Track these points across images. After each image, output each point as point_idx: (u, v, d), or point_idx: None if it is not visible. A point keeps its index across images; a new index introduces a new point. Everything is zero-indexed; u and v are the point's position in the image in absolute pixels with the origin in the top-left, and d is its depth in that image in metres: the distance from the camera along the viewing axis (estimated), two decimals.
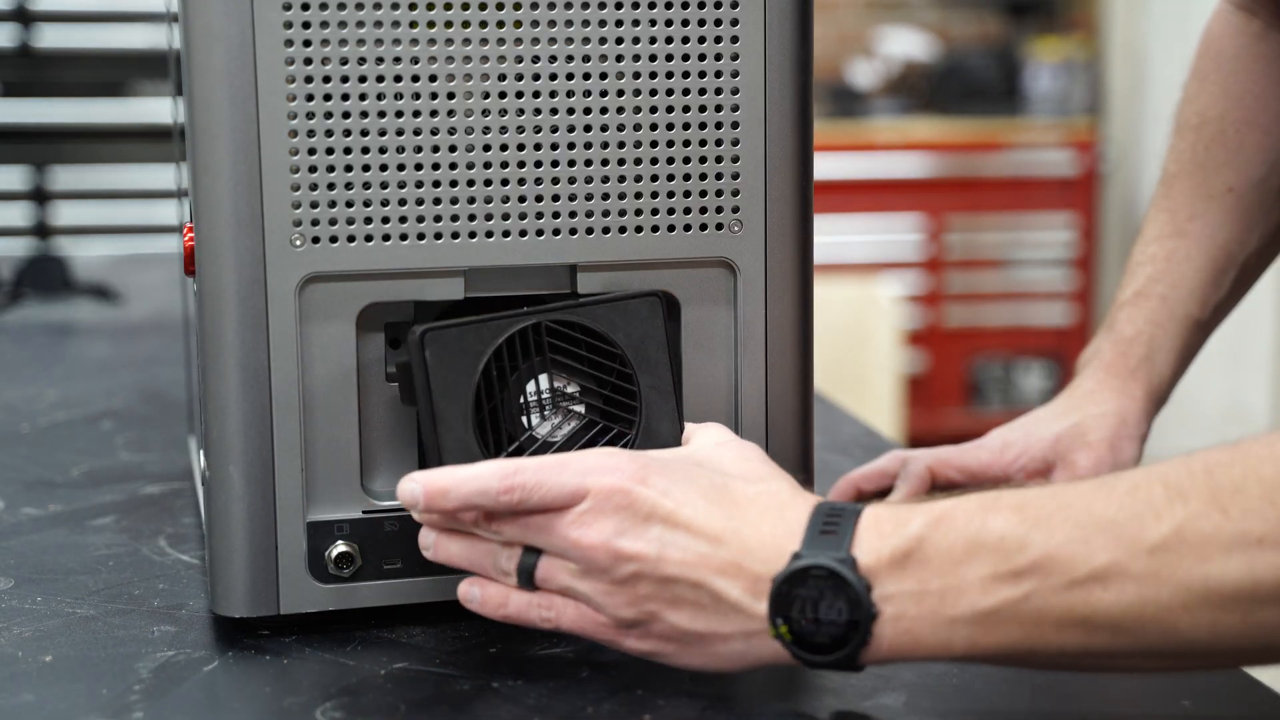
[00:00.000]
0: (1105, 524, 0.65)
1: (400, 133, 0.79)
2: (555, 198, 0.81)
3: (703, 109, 0.82)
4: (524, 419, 0.78)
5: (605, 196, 0.82)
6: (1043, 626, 0.66)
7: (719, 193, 0.83)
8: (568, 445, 0.78)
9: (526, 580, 0.73)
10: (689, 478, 0.72)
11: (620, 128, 0.81)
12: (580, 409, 0.79)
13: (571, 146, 0.81)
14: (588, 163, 0.81)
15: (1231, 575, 0.62)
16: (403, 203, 0.79)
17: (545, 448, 0.78)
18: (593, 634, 0.72)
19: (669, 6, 0.81)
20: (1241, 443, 0.65)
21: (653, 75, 0.82)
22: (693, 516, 0.70)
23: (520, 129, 0.80)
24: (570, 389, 0.79)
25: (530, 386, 0.78)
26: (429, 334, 0.75)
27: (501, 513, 0.72)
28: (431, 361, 0.76)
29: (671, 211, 0.83)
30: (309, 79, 0.77)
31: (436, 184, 0.79)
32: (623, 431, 0.79)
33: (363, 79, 0.78)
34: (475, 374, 0.76)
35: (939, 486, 1.02)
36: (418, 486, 0.73)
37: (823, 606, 0.67)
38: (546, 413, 0.78)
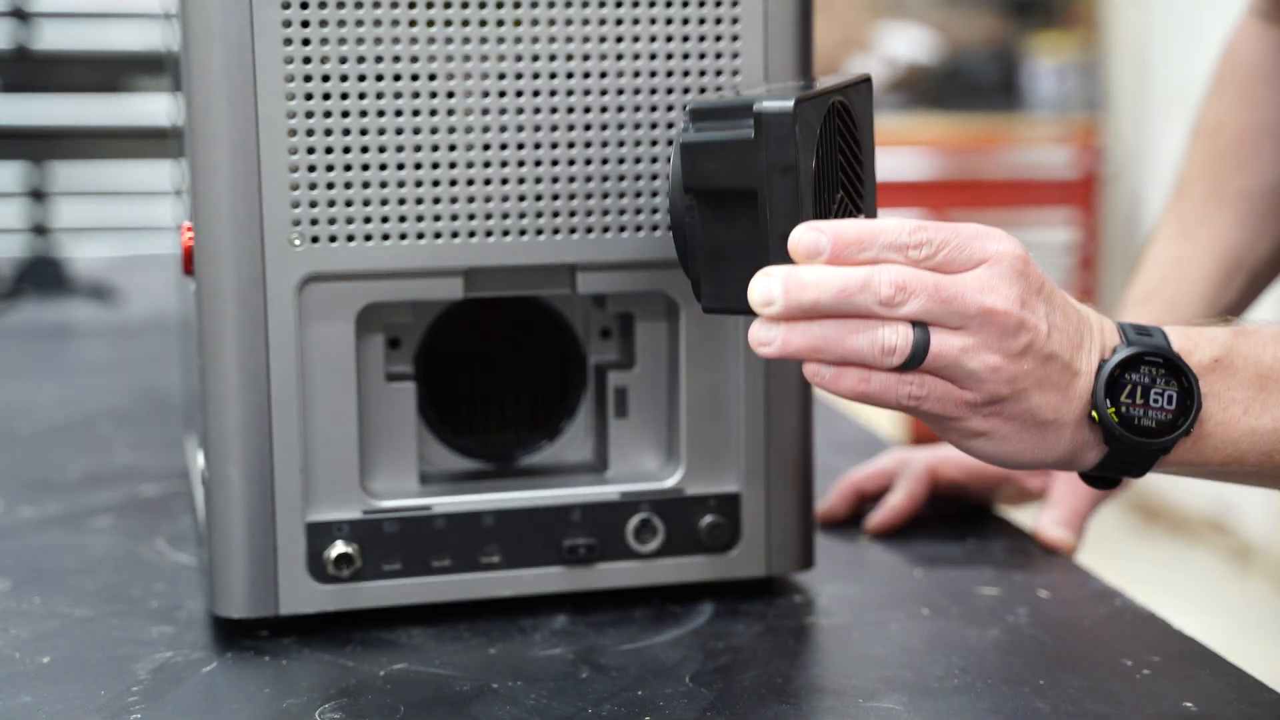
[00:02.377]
0: None
1: (400, 132, 0.78)
2: (555, 197, 0.81)
3: None
4: (826, 195, 0.72)
5: (605, 196, 0.82)
6: None
7: None
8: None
9: (919, 357, 0.67)
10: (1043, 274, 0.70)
11: (620, 128, 0.81)
12: (840, 192, 0.74)
13: (571, 146, 0.81)
14: (588, 162, 0.81)
15: None
16: (402, 202, 0.79)
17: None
18: (948, 413, 0.69)
19: (669, 6, 0.81)
20: None
21: (653, 75, 0.81)
22: (1064, 301, 0.70)
23: (520, 129, 0.80)
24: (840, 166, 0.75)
25: (829, 162, 0.73)
26: (800, 106, 0.68)
27: (892, 281, 0.66)
28: (800, 138, 0.68)
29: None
30: (308, 78, 0.77)
31: (436, 184, 0.79)
32: (859, 210, 0.75)
33: (362, 78, 0.78)
34: (815, 152, 0.70)
35: (940, 486, 1.02)
36: (822, 236, 0.66)
37: (1153, 393, 0.69)
38: (837, 191, 0.73)
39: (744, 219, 0.70)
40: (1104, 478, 0.72)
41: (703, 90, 0.82)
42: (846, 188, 0.74)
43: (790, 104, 0.68)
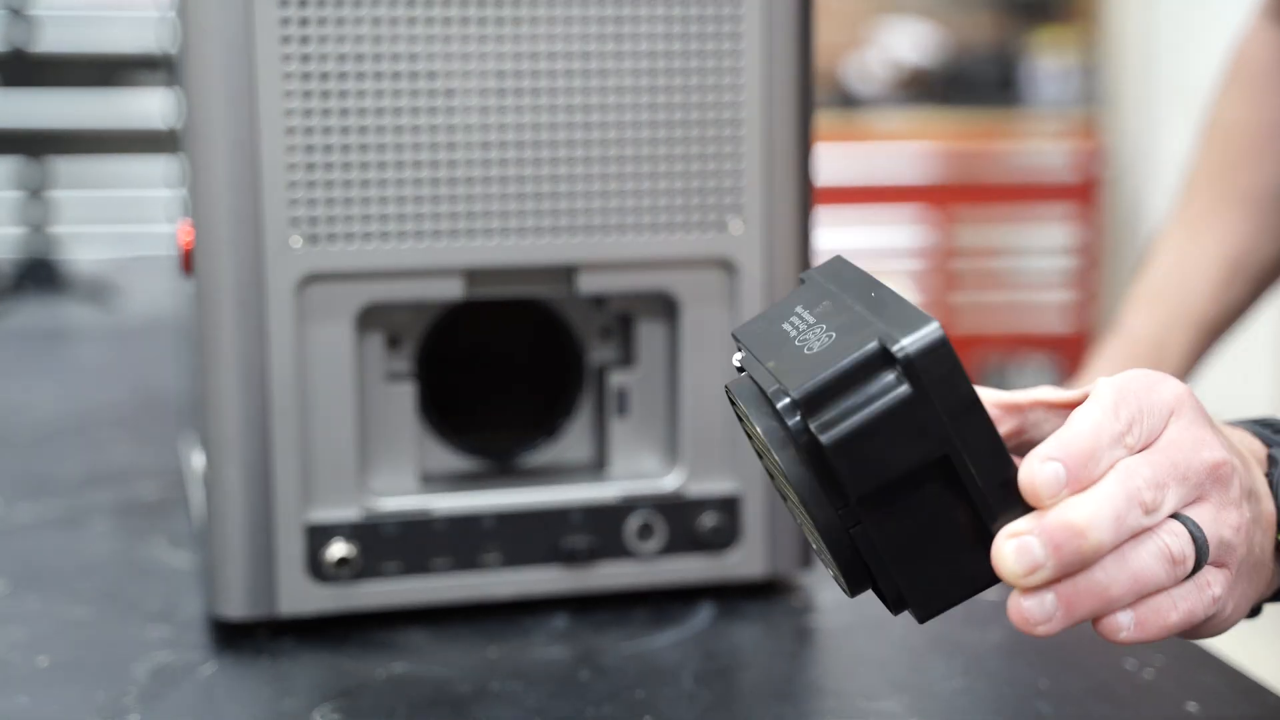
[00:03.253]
0: None
1: (399, 131, 0.78)
2: (555, 197, 0.81)
3: (703, 109, 0.82)
4: None
5: (605, 196, 0.81)
6: None
7: (719, 192, 0.83)
8: None
9: (1205, 545, 0.55)
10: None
11: (621, 127, 0.81)
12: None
13: (572, 146, 0.81)
14: (588, 162, 0.81)
15: None
16: (402, 201, 0.79)
17: None
18: (1223, 601, 0.57)
19: (669, 6, 0.81)
20: None
21: (653, 75, 0.81)
22: (1218, 425, 0.60)
23: (520, 128, 0.80)
24: None
25: None
26: (926, 346, 0.52)
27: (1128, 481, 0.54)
28: (929, 382, 0.52)
29: (671, 211, 0.82)
30: (308, 78, 0.77)
31: (436, 183, 0.79)
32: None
33: (361, 77, 0.78)
34: (961, 372, 0.53)
35: None
36: (1055, 464, 0.53)
37: None
38: None
39: (930, 494, 0.54)
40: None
41: (702, 91, 0.82)
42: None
43: (933, 324, 0.52)
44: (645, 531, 0.84)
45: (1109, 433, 0.54)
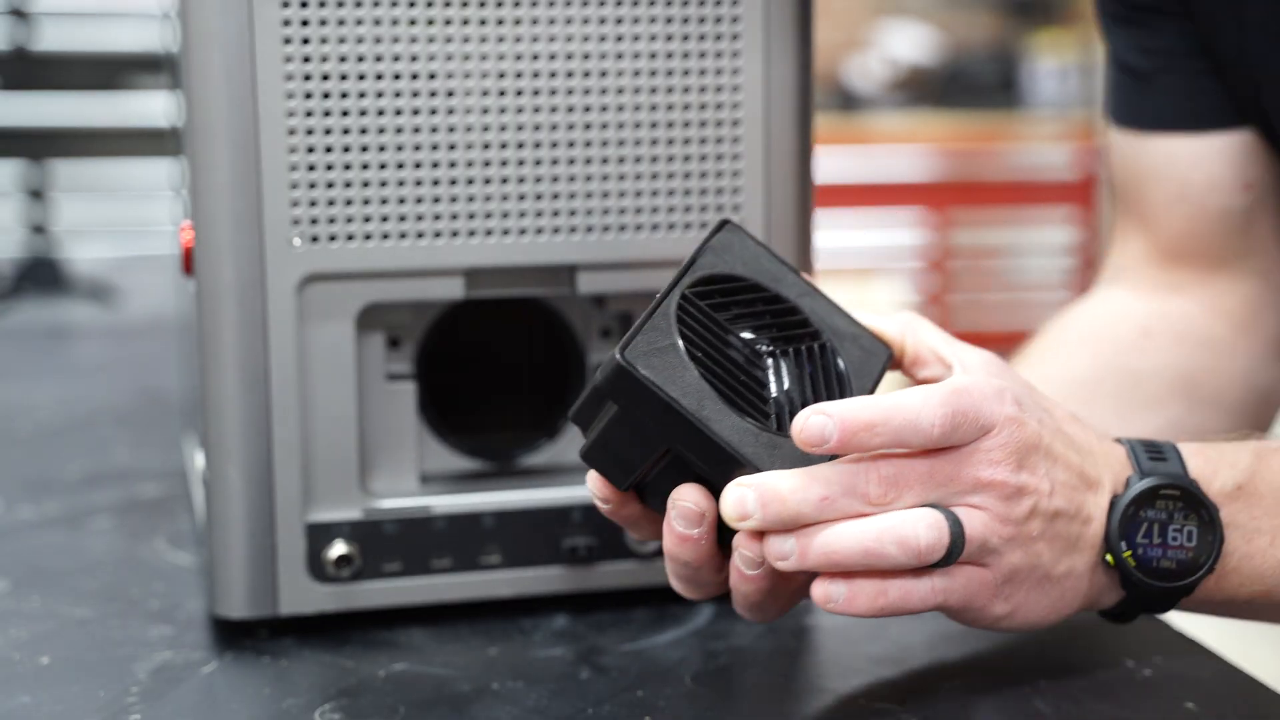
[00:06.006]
0: None
1: (400, 131, 0.78)
2: (555, 197, 0.81)
3: (703, 109, 0.82)
4: (756, 384, 0.68)
5: (605, 196, 0.82)
6: None
7: (719, 192, 0.83)
8: (803, 383, 0.69)
9: (961, 540, 0.61)
10: (1039, 405, 0.66)
11: (621, 127, 0.81)
12: (771, 347, 0.71)
13: (572, 146, 0.81)
14: (588, 162, 0.81)
15: None
16: (402, 201, 0.79)
17: (792, 399, 0.68)
18: (973, 603, 0.64)
19: (669, 6, 0.81)
20: None
21: (653, 75, 0.81)
22: (1060, 449, 0.65)
23: (520, 128, 0.80)
24: (748, 335, 0.71)
25: (732, 354, 0.69)
26: (627, 352, 0.65)
27: (890, 467, 0.61)
28: (651, 375, 0.64)
29: (671, 211, 0.82)
30: (308, 78, 0.77)
31: (436, 183, 0.79)
32: (821, 343, 0.71)
33: (362, 78, 0.78)
34: (688, 365, 0.66)
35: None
36: (829, 419, 0.60)
37: (1170, 530, 0.64)
38: (761, 367, 0.69)
39: (680, 472, 0.66)
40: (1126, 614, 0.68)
41: (702, 90, 0.82)
42: (780, 338, 0.71)
43: (616, 357, 0.64)
44: None
45: (906, 416, 0.60)
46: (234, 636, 0.81)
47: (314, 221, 0.78)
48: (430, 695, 0.74)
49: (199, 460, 0.84)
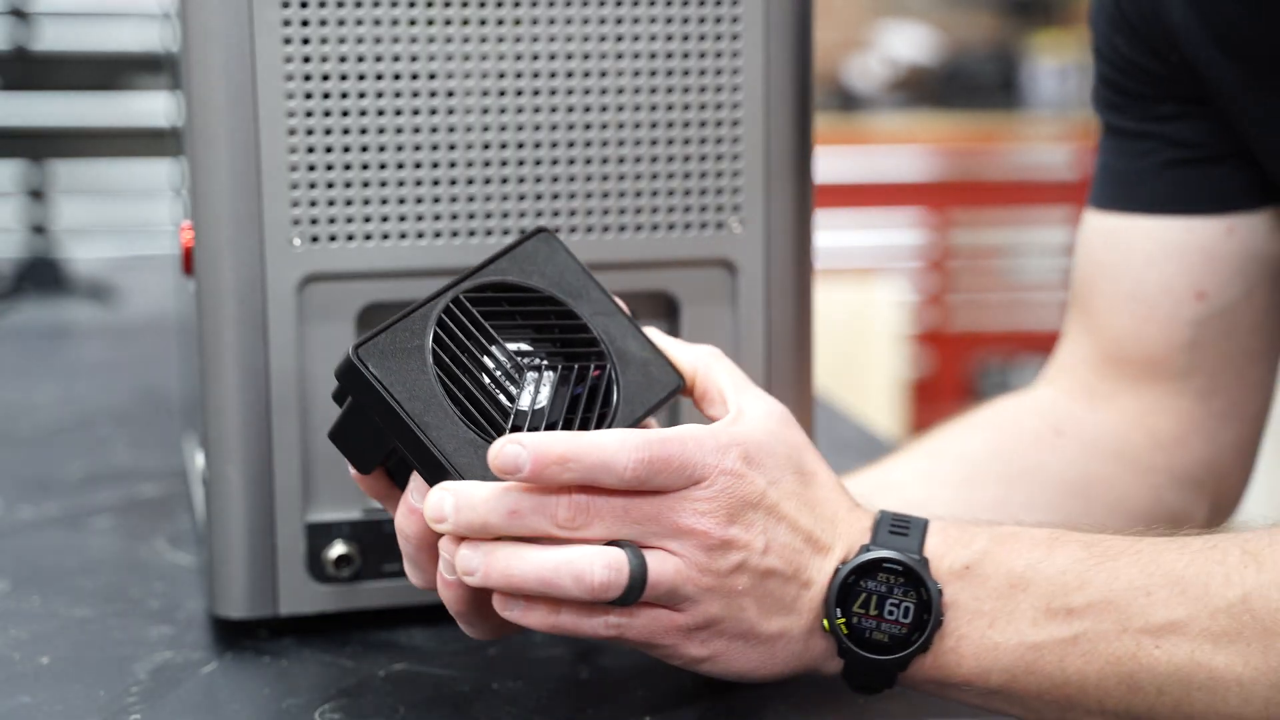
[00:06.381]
0: (1173, 578, 0.62)
1: (400, 131, 0.78)
2: (555, 197, 0.81)
3: (703, 109, 0.82)
4: (501, 396, 0.69)
5: (605, 196, 0.82)
6: (1086, 673, 0.63)
7: (719, 192, 0.83)
8: (561, 402, 0.70)
9: (640, 584, 0.63)
10: (776, 463, 0.66)
11: (621, 127, 0.81)
12: (545, 362, 0.71)
13: (571, 146, 0.81)
14: (588, 162, 0.81)
15: None
16: (402, 202, 0.79)
17: (540, 416, 0.69)
18: (657, 641, 0.65)
19: (669, 6, 0.81)
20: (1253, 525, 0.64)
21: (653, 75, 0.81)
22: (789, 511, 0.66)
23: (520, 128, 0.80)
24: (524, 347, 0.71)
25: (489, 362, 0.70)
26: (361, 349, 0.67)
27: (596, 501, 0.63)
28: (380, 374, 0.67)
29: (671, 211, 0.83)
30: (308, 78, 0.77)
31: (436, 183, 0.79)
32: (600, 365, 0.71)
33: (362, 78, 0.78)
34: (428, 368, 0.68)
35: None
36: (523, 450, 0.62)
37: (888, 604, 0.65)
38: (518, 381, 0.70)
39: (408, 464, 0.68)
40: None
41: (702, 90, 0.82)
42: (559, 354, 0.71)
43: (348, 352, 0.67)
44: None
45: (599, 457, 0.62)
46: (234, 636, 0.81)
47: (314, 221, 0.78)
48: (430, 695, 0.74)
49: (199, 460, 0.84)
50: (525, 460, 0.62)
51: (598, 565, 0.62)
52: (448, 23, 0.78)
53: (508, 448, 0.62)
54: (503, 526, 0.63)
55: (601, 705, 0.72)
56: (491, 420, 0.68)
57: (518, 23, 0.79)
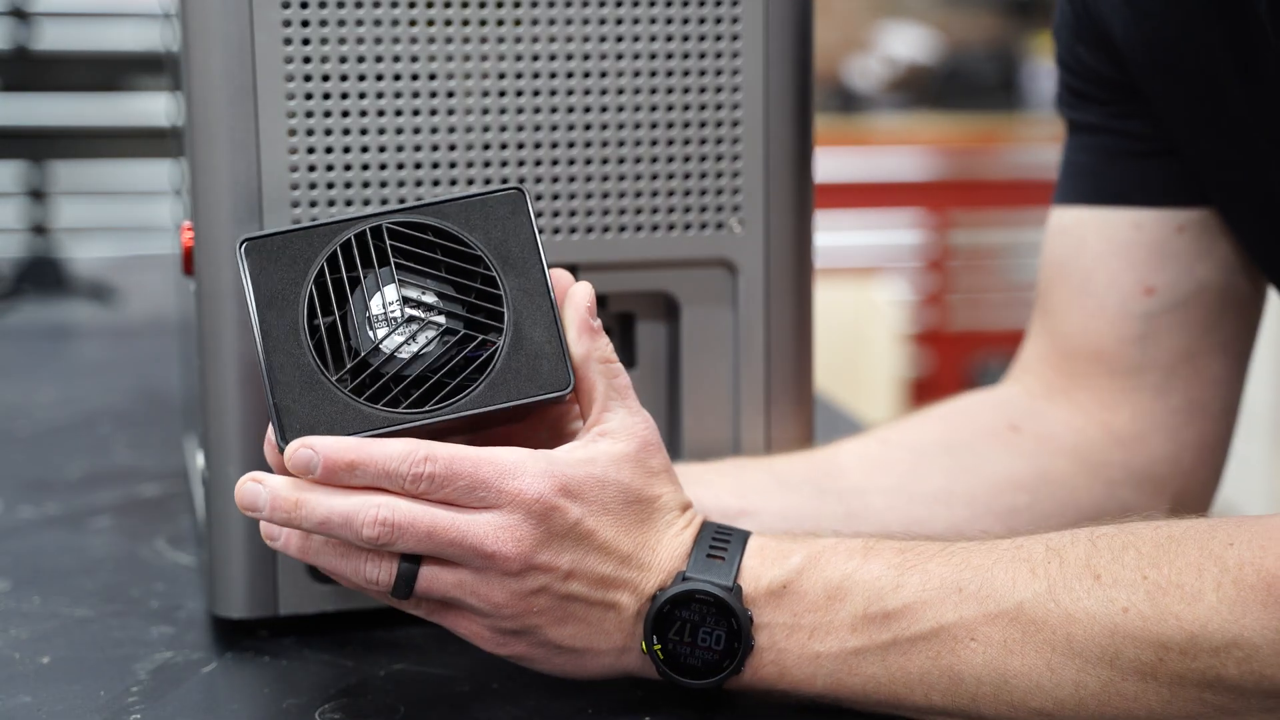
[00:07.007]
0: (981, 577, 0.66)
1: (399, 132, 0.78)
2: (555, 197, 0.81)
3: (703, 109, 0.82)
4: (370, 333, 0.69)
5: (605, 196, 0.82)
6: (907, 674, 0.67)
7: (719, 192, 0.83)
8: (423, 358, 0.69)
9: (405, 590, 0.67)
10: (606, 495, 0.68)
11: (620, 127, 0.81)
12: (440, 319, 0.70)
13: (571, 146, 0.81)
14: (588, 162, 0.81)
15: (1095, 641, 0.63)
16: (402, 202, 0.79)
17: (392, 362, 0.68)
18: (466, 635, 0.70)
19: (669, 6, 0.81)
20: (1131, 519, 0.67)
21: (653, 75, 0.81)
22: (607, 539, 0.68)
23: (520, 129, 0.80)
24: (428, 298, 0.70)
25: (379, 298, 0.69)
26: (249, 243, 0.68)
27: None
28: (252, 271, 0.68)
29: (671, 211, 0.83)
30: (308, 78, 0.77)
31: (436, 183, 0.79)
32: (488, 340, 0.70)
33: (362, 78, 0.78)
34: (305, 284, 0.68)
35: None
36: (314, 454, 0.66)
37: (701, 632, 0.68)
38: (399, 325, 0.69)
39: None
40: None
41: (702, 90, 0.82)
42: (460, 315, 0.70)
43: (239, 240, 0.69)
44: None
45: (386, 465, 0.65)
46: (234, 636, 0.81)
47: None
48: (430, 695, 0.74)
49: (199, 460, 0.84)
50: (317, 463, 0.65)
51: (372, 565, 0.67)
52: (448, 23, 0.78)
53: (301, 450, 0.66)
54: (315, 527, 0.66)
55: (601, 706, 0.72)
56: (337, 354, 0.69)
57: (518, 23, 0.79)
